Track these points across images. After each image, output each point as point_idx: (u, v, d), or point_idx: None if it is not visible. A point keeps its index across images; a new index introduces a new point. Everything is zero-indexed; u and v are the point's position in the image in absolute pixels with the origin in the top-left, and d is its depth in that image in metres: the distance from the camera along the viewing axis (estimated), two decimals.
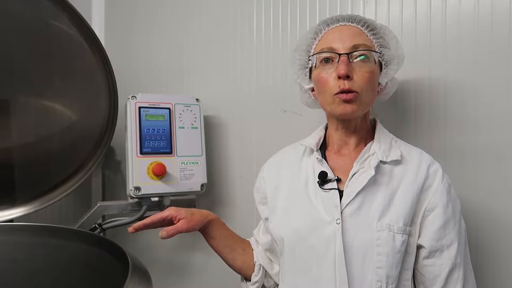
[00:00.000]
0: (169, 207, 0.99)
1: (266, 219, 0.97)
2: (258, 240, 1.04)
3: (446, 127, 1.02)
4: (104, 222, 1.34)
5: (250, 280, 1.02)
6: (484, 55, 0.96)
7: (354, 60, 0.83)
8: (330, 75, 0.83)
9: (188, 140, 1.35)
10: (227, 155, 1.48)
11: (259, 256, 1.01)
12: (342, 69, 0.80)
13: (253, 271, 1.01)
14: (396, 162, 0.84)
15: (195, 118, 1.38)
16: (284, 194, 0.91)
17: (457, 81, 1.00)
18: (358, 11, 1.15)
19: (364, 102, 0.83)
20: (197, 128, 1.38)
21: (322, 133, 0.96)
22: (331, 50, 0.84)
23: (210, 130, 1.50)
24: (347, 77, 0.80)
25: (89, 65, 1.34)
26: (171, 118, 1.34)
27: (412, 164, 0.83)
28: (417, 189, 0.80)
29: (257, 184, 1.03)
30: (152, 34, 1.74)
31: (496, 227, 0.95)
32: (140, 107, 1.30)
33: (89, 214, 1.31)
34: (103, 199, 1.87)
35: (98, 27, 1.91)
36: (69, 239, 1.08)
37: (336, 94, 0.82)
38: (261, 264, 1.00)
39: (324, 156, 0.92)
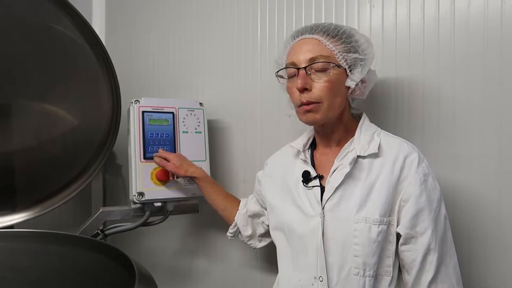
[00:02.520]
0: (175, 154, 1.26)
1: (259, 204, 1.16)
2: (249, 205, 1.19)
3: (455, 128, 1.01)
4: (107, 228, 1.32)
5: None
6: (494, 58, 0.96)
7: (313, 72, 0.89)
8: (294, 88, 0.91)
9: (192, 145, 1.34)
10: (231, 160, 1.46)
11: (239, 218, 1.20)
12: (299, 83, 0.88)
13: (232, 223, 1.22)
14: (375, 155, 0.88)
15: (199, 122, 1.37)
16: (279, 192, 1.02)
17: (466, 83, 0.99)
18: (365, 15, 1.14)
19: (327, 109, 0.90)
20: (201, 132, 1.36)
21: (311, 134, 1.04)
22: (292, 64, 0.92)
23: (214, 135, 1.48)
24: (306, 90, 0.89)
25: (92, 69, 1.32)
26: (174, 122, 1.32)
27: (390, 157, 0.87)
28: (394, 180, 0.85)
29: (260, 177, 1.14)
30: (154, 37, 1.72)
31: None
32: (143, 112, 1.28)
33: (91, 220, 1.28)
34: (104, 204, 1.85)
35: (98, 30, 1.90)
36: (72, 246, 1.06)
37: (299, 106, 0.91)
38: (237, 224, 1.20)
39: (312, 155, 1.00)
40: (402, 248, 0.85)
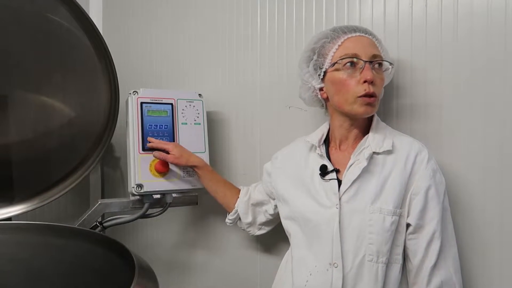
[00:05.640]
0: (173, 144, 1.26)
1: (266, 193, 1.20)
2: (252, 194, 1.23)
3: (458, 116, 1.00)
4: (105, 220, 1.32)
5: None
6: (498, 51, 0.94)
7: (375, 67, 0.95)
8: (353, 79, 0.94)
9: (191, 136, 1.33)
10: (230, 152, 1.45)
11: (240, 205, 1.22)
12: (369, 75, 0.92)
13: (231, 210, 1.24)
14: (389, 152, 0.95)
15: (198, 114, 1.36)
16: (292, 184, 1.06)
17: (469, 73, 0.98)
18: (367, 4, 1.13)
19: (378, 104, 0.98)
20: (200, 124, 1.35)
21: (325, 129, 1.08)
22: (356, 56, 0.94)
23: (213, 126, 1.47)
24: (371, 82, 0.92)
25: (89, 60, 1.31)
26: (173, 114, 1.31)
27: (403, 153, 0.94)
28: (406, 176, 0.91)
29: (269, 169, 1.17)
30: (153, 27, 1.71)
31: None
32: (142, 103, 1.27)
33: (90, 212, 1.28)
34: (102, 197, 1.84)
35: (96, 20, 1.87)
36: (71, 238, 1.06)
37: (360, 96, 0.93)
38: (237, 211, 1.23)
39: (327, 151, 1.05)
40: (409, 237, 0.91)
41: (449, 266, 0.89)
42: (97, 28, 1.28)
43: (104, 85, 1.35)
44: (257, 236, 1.27)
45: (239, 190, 1.26)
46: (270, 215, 1.20)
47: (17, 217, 1.30)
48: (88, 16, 1.25)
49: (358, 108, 0.94)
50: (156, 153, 1.24)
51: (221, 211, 1.31)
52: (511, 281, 0.94)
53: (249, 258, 1.42)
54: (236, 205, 1.23)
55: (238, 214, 1.23)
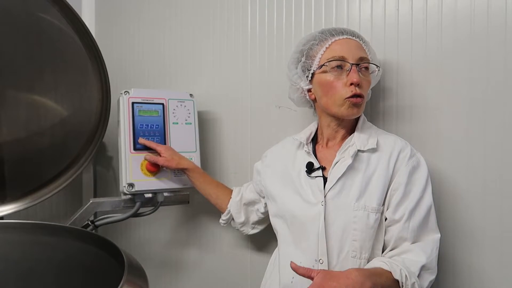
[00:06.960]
0: (164, 146, 1.27)
1: (256, 192, 1.21)
2: (244, 193, 1.24)
3: (442, 113, 1.02)
4: (97, 219, 1.33)
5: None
6: (481, 54, 0.96)
7: (361, 70, 0.96)
8: (340, 81, 0.96)
9: (182, 136, 1.34)
10: (221, 151, 1.47)
11: (232, 205, 1.24)
12: (355, 78, 0.94)
13: (224, 211, 1.26)
14: (373, 150, 0.97)
15: (189, 113, 1.37)
16: (280, 181, 1.07)
17: (453, 78, 1.00)
18: (354, 6, 1.14)
19: (364, 105, 0.99)
20: (191, 124, 1.36)
21: (314, 128, 1.11)
22: (343, 59, 0.96)
23: (204, 126, 1.49)
24: (358, 85, 0.94)
25: (81, 60, 1.31)
26: (164, 113, 1.32)
27: (387, 151, 0.96)
28: (389, 173, 0.94)
29: (259, 168, 1.19)
30: (144, 28, 1.71)
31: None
32: (133, 103, 1.28)
33: (81, 211, 1.29)
34: (95, 196, 1.85)
35: (88, 20, 1.88)
36: (62, 237, 1.07)
37: (348, 98, 0.95)
38: (230, 211, 1.24)
39: (314, 148, 1.07)
40: (387, 229, 0.94)
41: (422, 252, 0.87)
42: (87, 28, 1.28)
43: (96, 84, 1.36)
44: (248, 234, 1.29)
45: (231, 191, 1.28)
46: (262, 213, 1.21)
47: (9, 216, 1.31)
48: (79, 16, 1.26)
49: (345, 110, 0.96)
50: (147, 155, 1.25)
51: (213, 210, 1.32)
52: (495, 275, 0.97)
53: (240, 256, 1.43)
54: (228, 205, 1.25)
55: (231, 214, 1.25)
